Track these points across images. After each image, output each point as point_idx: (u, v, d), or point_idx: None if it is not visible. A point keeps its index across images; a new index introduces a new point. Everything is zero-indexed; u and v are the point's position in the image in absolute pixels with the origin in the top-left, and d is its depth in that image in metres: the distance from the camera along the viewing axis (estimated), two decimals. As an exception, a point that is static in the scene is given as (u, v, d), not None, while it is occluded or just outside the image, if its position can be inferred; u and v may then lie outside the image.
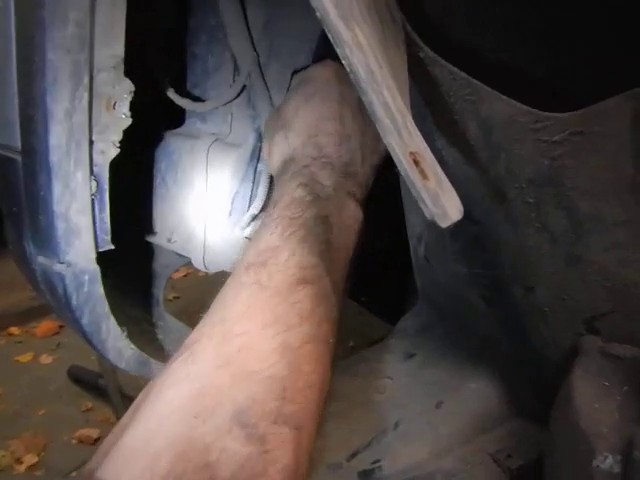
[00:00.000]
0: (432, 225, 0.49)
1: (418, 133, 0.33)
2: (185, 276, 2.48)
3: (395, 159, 0.30)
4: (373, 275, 1.08)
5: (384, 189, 0.62)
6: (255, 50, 0.68)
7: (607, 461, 0.37)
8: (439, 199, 0.30)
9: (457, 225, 0.59)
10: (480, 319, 0.68)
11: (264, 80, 0.69)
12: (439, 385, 0.78)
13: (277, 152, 0.59)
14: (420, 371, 0.83)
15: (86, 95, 0.42)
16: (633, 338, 0.51)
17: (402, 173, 0.30)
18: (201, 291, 2.33)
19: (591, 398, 0.43)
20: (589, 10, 0.42)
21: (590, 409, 0.42)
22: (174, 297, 2.41)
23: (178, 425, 0.35)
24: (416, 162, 0.30)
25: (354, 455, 0.73)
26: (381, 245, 0.98)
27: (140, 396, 0.40)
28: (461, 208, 0.32)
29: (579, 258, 0.50)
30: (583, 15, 0.42)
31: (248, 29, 0.66)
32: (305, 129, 0.57)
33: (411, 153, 0.30)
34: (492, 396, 0.72)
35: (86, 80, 0.41)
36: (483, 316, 0.66)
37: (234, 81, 0.71)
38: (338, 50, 0.29)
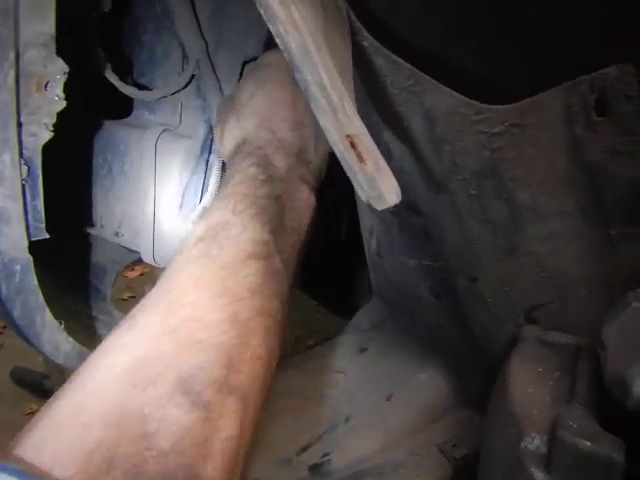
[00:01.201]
0: (381, 218, 0.49)
1: (357, 116, 0.33)
2: (141, 275, 2.42)
3: (330, 141, 0.30)
4: (329, 271, 1.08)
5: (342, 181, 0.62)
6: (204, 38, 0.66)
7: (535, 442, 0.38)
8: (376, 182, 0.30)
9: (404, 217, 0.60)
10: (429, 311, 0.69)
11: (213, 69, 0.68)
12: (390, 378, 0.79)
13: (229, 136, 0.58)
14: (372, 365, 0.83)
15: (12, 72, 0.39)
16: (569, 327, 0.53)
17: (338, 155, 0.30)
18: (156, 290, 2.28)
19: (525, 383, 0.45)
20: (525, 8, 0.43)
21: (523, 393, 0.43)
22: (129, 296, 2.34)
23: (114, 394, 0.33)
24: (353, 145, 0.30)
25: (304, 449, 0.73)
26: (338, 239, 0.98)
27: (78, 368, 0.37)
28: (398, 191, 0.32)
29: (518, 249, 0.52)
30: (519, 12, 0.43)
31: (196, 17, 0.65)
32: (258, 113, 0.56)
33: (348, 136, 0.30)
34: (441, 386, 0.73)
35: (11, 56, 0.39)
36: (431, 308, 0.67)
37: (183, 70, 0.69)
38: (271, 27, 0.28)
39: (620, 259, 0.51)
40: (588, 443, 0.36)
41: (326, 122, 0.29)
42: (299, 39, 0.29)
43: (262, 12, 0.28)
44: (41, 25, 0.42)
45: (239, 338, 0.38)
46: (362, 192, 0.30)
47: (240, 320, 0.39)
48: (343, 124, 0.30)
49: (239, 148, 0.55)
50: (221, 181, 0.70)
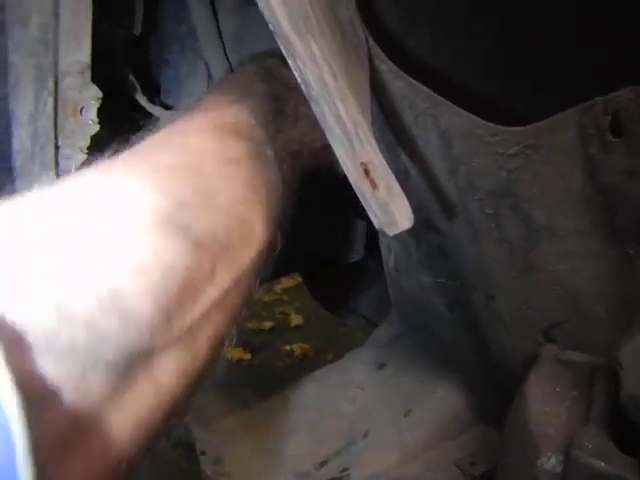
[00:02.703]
0: (398, 235, 0.50)
1: (372, 143, 0.35)
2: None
3: (345, 169, 0.31)
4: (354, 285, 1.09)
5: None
6: (227, 58, 0.69)
7: (550, 461, 0.38)
8: (388, 207, 0.32)
9: (420, 235, 0.61)
10: (445, 328, 0.69)
11: (237, 90, 0.70)
12: (408, 394, 0.79)
13: None
14: (390, 380, 0.84)
15: (51, 100, 0.42)
16: (587, 345, 0.52)
17: (352, 183, 0.31)
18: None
19: (542, 402, 0.45)
20: (536, 32, 0.44)
21: (540, 412, 0.43)
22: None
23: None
24: (366, 172, 0.31)
25: (323, 464, 0.74)
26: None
27: None
28: (411, 216, 0.33)
29: (535, 267, 0.52)
30: (529, 38, 0.45)
31: (220, 37, 0.67)
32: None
33: (362, 163, 0.31)
34: (458, 403, 0.73)
35: (51, 85, 0.42)
36: (448, 325, 0.67)
37: (207, 89, 0.72)
38: (290, 62, 0.30)
39: (638, 278, 0.51)
40: (602, 463, 0.36)
41: (341, 152, 0.31)
42: (317, 72, 0.30)
43: (282, 47, 0.30)
44: (78, 54, 0.45)
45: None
46: (375, 218, 0.31)
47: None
48: (357, 152, 0.31)
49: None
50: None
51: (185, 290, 0.32)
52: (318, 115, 0.31)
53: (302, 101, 0.41)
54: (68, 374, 0.27)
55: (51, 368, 0.26)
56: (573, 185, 0.46)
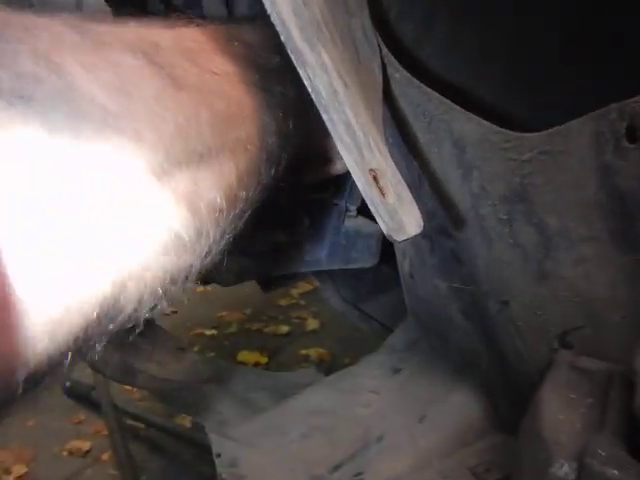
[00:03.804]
0: (413, 241, 0.51)
1: (383, 150, 0.35)
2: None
3: (354, 176, 0.32)
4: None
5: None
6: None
7: (563, 469, 0.38)
8: (397, 214, 0.32)
9: (434, 240, 0.61)
10: (460, 333, 0.69)
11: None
12: (423, 399, 0.79)
13: None
14: (405, 386, 0.84)
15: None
16: (602, 352, 0.52)
17: (361, 190, 0.32)
18: (199, 307, 2.34)
19: (556, 409, 0.44)
20: (548, 39, 0.44)
21: (554, 419, 0.43)
22: (172, 312, 2.41)
23: None
24: (376, 179, 0.32)
25: (337, 468, 0.74)
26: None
27: None
28: (421, 223, 0.34)
29: (549, 273, 0.52)
30: (543, 43, 0.45)
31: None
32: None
33: (371, 170, 0.32)
34: (474, 410, 0.73)
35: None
36: (463, 330, 0.67)
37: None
38: (300, 71, 0.31)
39: (655, 285, 0.50)
40: (616, 472, 0.35)
41: (350, 160, 0.31)
42: (327, 80, 0.31)
43: (293, 57, 0.30)
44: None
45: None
46: (383, 225, 0.32)
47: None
48: (367, 159, 0.32)
49: None
50: None
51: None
52: (328, 124, 0.31)
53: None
54: None
55: None
56: (587, 191, 0.46)
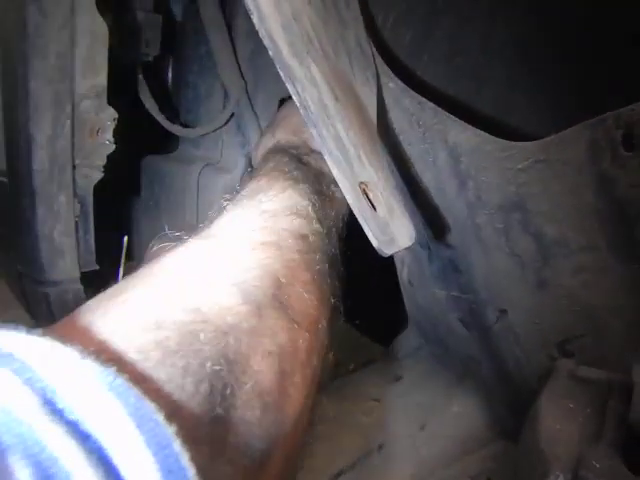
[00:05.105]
0: (411, 249, 0.50)
1: (375, 163, 0.35)
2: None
3: (344, 190, 0.32)
4: (368, 297, 1.09)
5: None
6: (244, 79, 0.71)
7: (558, 480, 0.37)
8: (388, 227, 0.32)
9: (432, 248, 0.61)
10: (460, 341, 0.68)
11: (252, 107, 0.72)
12: (424, 408, 0.78)
13: (263, 146, 0.58)
14: (406, 394, 0.83)
15: (69, 122, 0.44)
16: (603, 361, 0.51)
17: (350, 204, 0.32)
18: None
19: (554, 420, 0.44)
20: (544, 52, 0.44)
21: (551, 430, 0.43)
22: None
23: (165, 287, 0.32)
24: (366, 192, 0.32)
25: (338, 476, 0.74)
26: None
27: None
28: (413, 235, 0.33)
29: (547, 282, 0.51)
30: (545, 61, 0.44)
31: (236, 59, 0.69)
32: (292, 125, 0.56)
33: (362, 183, 0.32)
34: (475, 418, 0.72)
35: (68, 109, 0.44)
36: (462, 338, 0.67)
37: (224, 108, 0.74)
38: (289, 86, 0.31)
39: (655, 293, 0.49)
40: (611, 485, 0.35)
41: (339, 173, 0.31)
42: (316, 95, 0.31)
43: (281, 72, 0.30)
44: (95, 79, 0.47)
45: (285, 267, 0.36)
46: (373, 239, 0.32)
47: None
48: (357, 173, 0.32)
49: (271, 149, 0.54)
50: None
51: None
52: (317, 138, 0.31)
53: (332, 181, 0.43)
54: None
55: None
56: (584, 200, 0.46)
